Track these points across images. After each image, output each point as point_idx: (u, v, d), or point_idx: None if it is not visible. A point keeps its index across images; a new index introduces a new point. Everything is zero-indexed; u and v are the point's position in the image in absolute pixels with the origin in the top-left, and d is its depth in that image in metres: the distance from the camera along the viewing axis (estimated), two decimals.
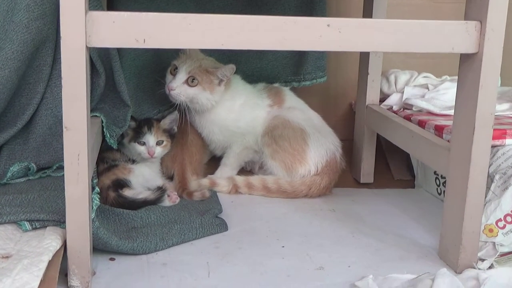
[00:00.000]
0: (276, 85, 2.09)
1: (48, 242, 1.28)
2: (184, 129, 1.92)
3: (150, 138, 1.81)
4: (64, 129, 1.24)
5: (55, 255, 1.26)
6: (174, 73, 1.86)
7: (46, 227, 1.38)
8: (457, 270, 1.44)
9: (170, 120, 1.87)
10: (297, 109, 2.02)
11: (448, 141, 1.61)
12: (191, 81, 1.84)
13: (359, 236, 1.65)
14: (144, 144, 1.81)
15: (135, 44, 1.24)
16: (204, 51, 1.96)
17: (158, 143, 1.82)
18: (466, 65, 1.41)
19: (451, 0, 2.32)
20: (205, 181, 1.91)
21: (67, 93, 1.22)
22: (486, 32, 1.33)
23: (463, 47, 1.36)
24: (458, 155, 1.45)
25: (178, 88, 1.83)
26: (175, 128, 1.90)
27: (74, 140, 1.24)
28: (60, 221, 1.39)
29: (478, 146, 1.39)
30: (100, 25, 1.22)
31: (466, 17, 1.38)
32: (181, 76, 1.84)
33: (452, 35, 1.35)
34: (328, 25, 1.29)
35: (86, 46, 1.22)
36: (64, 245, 1.30)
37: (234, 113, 1.95)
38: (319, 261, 1.49)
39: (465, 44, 1.35)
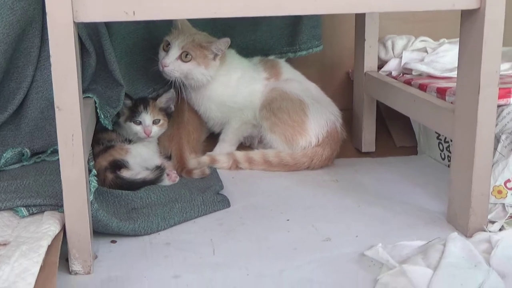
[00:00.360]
0: (272, 57, 2.04)
1: (46, 227, 1.25)
2: (180, 108, 1.88)
3: (146, 117, 1.76)
4: (56, 110, 1.19)
5: (54, 240, 1.22)
6: (167, 49, 1.81)
7: (43, 212, 1.34)
8: (467, 234, 1.41)
9: (166, 99, 1.82)
10: (294, 81, 1.98)
11: (452, 103, 1.58)
12: (184, 56, 1.79)
13: (365, 206, 1.61)
14: (140, 123, 1.76)
15: (125, 17, 1.19)
16: (197, 26, 1.91)
17: (155, 122, 1.77)
18: (468, 23, 1.36)
19: None
20: (205, 159, 1.88)
21: (57, 72, 1.18)
22: None
23: (464, 2, 1.31)
24: (464, 116, 1.41)
25: (172, 64, 1.78)
26: (172, 107, 1.85)
27: (67, 120, 1.20)
28: (57, 205, 1.35)
29: (484, 106, 1.35)
30: None
31: None
32: (174, 51, 1.79)
33: None
34: None
35: (74, 21, 1.17)
36: (64, 230, 1.27)
37: (230, 88, 1.90)
38: (325, 232, 1.45)
39: None
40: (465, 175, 1.41)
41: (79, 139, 1.21)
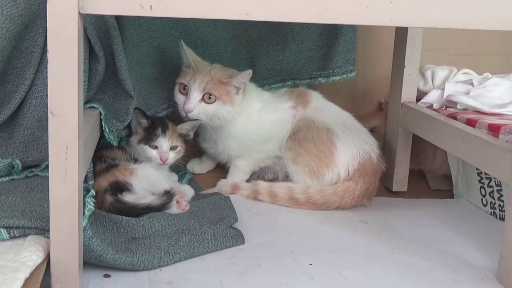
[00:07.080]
0: (302, 87, 1.87)
1: (26, 255, 1.07)
2: None
3: (164, 143, 1.61)
4: (49, 116, 1.02)
5: (34, 272, 1.05)
6: (184, 92, 1.66)
7: (27, 236, 1.17)
8: None
9: (190, 126, 1.68)
10: (324, 109, 1.80)
11: (507, 141, 1.38)
12: (207, 98, 1.65)
13: (399, 253, 1.41)
14: (156, 148, 1.60)
15: (140, 11, 1.01)
16: (219, 42, 1.74)
17: (172, 148, 1.62)
18: None
19: None
20: (226, 185, 1.73)
21: (55, 70, 1.01)
22: None
23: None
24: None
25: (196, 108, 1.64)
26: (191, 134, 1.70)
27: (61, 128, 1.02)
28: (44, 229, 1.18)
29: None
30: None
31: None
32: (196, 94, 1.64)
33: None
34: None
35: (79, 12, 0.99)
36: (48, 259, 1.08)
37: (252, 121, 1.75)
38: (355, 282, 1.26)
39: None
40: None
41: (75, 151, 1.02)
